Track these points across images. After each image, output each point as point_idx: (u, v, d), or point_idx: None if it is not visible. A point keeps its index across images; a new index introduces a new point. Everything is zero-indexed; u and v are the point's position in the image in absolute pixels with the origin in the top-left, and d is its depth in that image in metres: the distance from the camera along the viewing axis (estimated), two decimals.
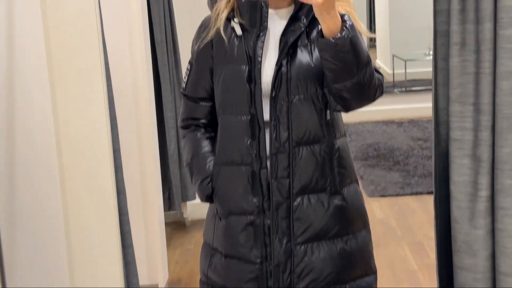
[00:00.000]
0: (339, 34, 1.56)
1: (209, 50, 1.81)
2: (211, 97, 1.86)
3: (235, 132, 1.77)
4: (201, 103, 1.88)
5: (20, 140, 1.94)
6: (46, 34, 2.11)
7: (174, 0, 3.99)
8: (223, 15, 1.77)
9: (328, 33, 1.57)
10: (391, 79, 8.02)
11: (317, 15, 1.56)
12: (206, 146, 1.87)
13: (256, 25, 1.73)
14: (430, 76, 1.86)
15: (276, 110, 1.72)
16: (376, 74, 1.69)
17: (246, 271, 1.78)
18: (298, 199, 1.74)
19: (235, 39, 1.76)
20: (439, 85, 1.75)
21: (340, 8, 1.68)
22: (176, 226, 4.43)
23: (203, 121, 1.89)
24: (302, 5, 1.71)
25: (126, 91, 3.35)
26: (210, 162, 1.85)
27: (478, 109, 1.67)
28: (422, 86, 7.54)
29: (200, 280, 1.93)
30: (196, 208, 4.35)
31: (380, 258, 3.14)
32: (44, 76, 2.12)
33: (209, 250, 1.88)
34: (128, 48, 3.34)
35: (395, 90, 7.80)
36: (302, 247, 1.74)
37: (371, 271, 1.85)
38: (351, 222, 1.80)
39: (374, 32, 9.38)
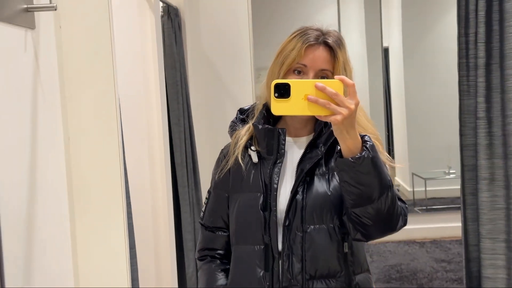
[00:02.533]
0: (358, 154, 1.50)
1: (227, 178, 1.81)
2: (228, 227, 1.83)
3: (248, 263, 1.72)
4: (218, 232, 1.85)
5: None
6: (68, 161, 2.10)
7: (195, 122, 4.05)
8: (242, 143, 1.78)
9: (348, 153, 1.51)
10: (411, 197, 7.94)
11: (336, 134, 1.51)
12: (220, 279, 1.82)
13: (273, 153, 1.72)
14: (450, 194, 1.83)
15: (290, 239, 1.66)
16: (400, 203, 1.63)
17: None
18: None
19: (252, 167, 1.76)
20: (468, 220, 1.70)
21: (364, 132, 1.64)
22: None
23: (219, 252, 1.85)
24: (321, 132, 1.71)
25: (146, 214, 3.32)
26: None
27: (510, 247, 1.59)
28: (443, 204, 7.46)
29: None
30: None
31: None
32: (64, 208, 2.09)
33: None
34: (148, 170, 3.35)
35: (416, 208, 7.71)
36: None
37: None
38: None
39: (393, 150, 9.40)
